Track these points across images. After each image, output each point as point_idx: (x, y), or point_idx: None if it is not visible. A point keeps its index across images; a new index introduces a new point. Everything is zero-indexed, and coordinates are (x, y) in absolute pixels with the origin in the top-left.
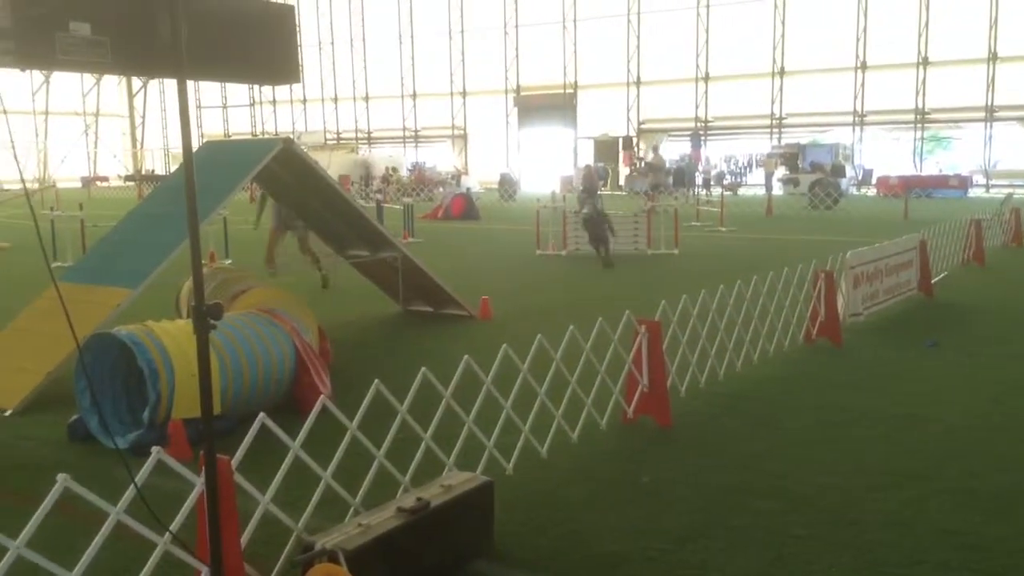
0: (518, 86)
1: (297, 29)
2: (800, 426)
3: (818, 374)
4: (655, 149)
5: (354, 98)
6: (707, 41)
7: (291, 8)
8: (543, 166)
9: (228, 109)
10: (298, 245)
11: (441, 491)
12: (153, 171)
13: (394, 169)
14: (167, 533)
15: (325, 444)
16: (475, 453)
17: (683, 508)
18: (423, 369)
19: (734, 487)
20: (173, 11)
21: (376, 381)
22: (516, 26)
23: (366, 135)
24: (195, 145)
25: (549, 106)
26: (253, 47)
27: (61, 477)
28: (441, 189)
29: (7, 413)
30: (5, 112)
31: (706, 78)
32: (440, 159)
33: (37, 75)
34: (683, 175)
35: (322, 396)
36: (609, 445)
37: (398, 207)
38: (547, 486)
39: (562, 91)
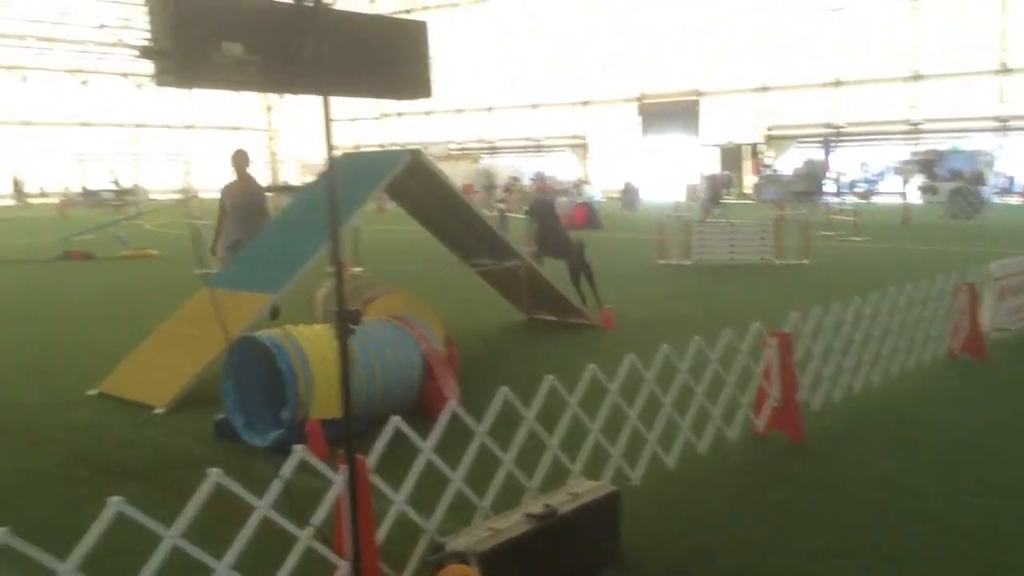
0: (641, 93)
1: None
2: (941, 444)
3: (960, 390)
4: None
5: (477, 109)
6: (836, 44)
7: (424, 25)
8: (666, 175)
9: (358, 122)
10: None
11: (568, 499)
12: (287, 183)
13: (516, 179)
14: (309, 528)
15: (452, 449)
16: (601, 462)
17: (815, 524)
18: (550, 377)
19: (869, 505)
20: (317, 31)
21: (503, 388)
22: (637, 32)
23: (489, 145)
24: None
25: (673, 113)
26: (389, 64)
27: (213, 472)
28: (563, 198)
29: (159, 411)
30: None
31: (837, 83)
32: (562, 168)
33: (182, 91)
34: (811, 183)
35: (452, 401)
36: (738, 458)
37: (521, 216)
38: (674, 497)
39: (686, 98)
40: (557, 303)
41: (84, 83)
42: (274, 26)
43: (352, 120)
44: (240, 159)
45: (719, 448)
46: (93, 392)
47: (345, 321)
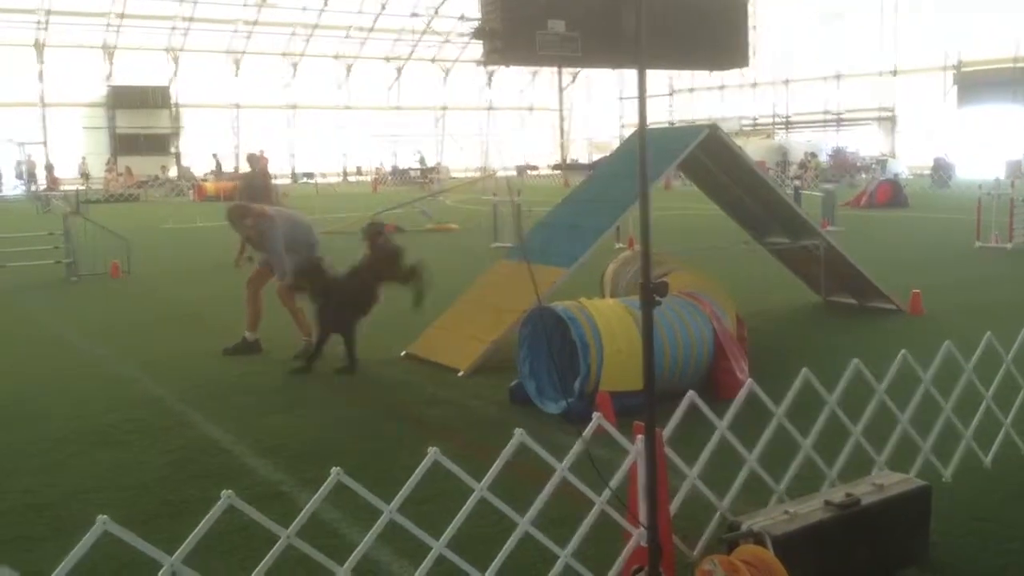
0: (959, 62)
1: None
2: None
3: None
4: None
5: (772, 83)
6: None
7: None
8: (984, 149)
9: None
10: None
11: (872, 489)
12: (576, 160)
13: (812, 155)
14: (606, 492)
15: (744, 429)
16: (907, 455)
17: None
18: (855, 361)
19: None
20: (636, 5)
21: (804, 370)
22: None
23: (784, 120)
24: (626, 134)
25: (995, 82)
26: (705, 35)
27: (518, 432)
28: (864, 175)
29: (460, 374)
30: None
31: None
32: (864, 143)
33: (481, 75)
34: None
35: (749, 381)
36: None
37: (817, 194)
38: (991, 499)
39: (1012, 65)
40: (858, 285)
41: (398, 69)
42: (594, 2)
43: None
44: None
45: None
46: (403, 353)
47: (650, 293)
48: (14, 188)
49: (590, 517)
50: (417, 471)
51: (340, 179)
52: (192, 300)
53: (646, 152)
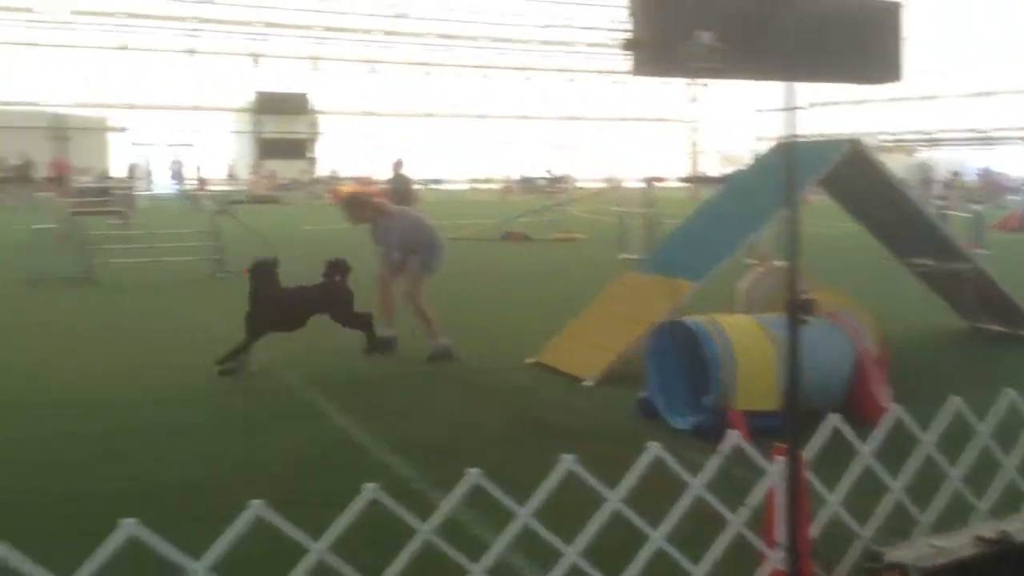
0: None
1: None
2: None
3: None
4: None
5: (916, 98)
6: None
7: (897, 6)
8: None
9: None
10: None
11: None
12: (705, 173)
13: (957, 173)
14: (742, 510)
15: (885, 456)
16: None
17: None
18: (1009, 391)
19: None
20: (784, 15)
21: (955, 398)
22: None
23: (927, 136)
24: (761, 148)
25: None
26: (856, 46)
27: (653, 446)
28: (1014, 196)
29: (588, 383)
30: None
31: None
32: (1015, 163)
33: (611, 84)
34: None
35: (896, 407)
36: None
37: (964, 215)
38: None
39: None
40: (1008, 312)
41: (527, 79)
42: (742, 12)
43: (782, 110)
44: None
45: None
46: (531, 361)
47: (797, 311)
48: (166, 188)
49: (725, 536)
50: (551, 477)
51: (468, 186)
52: None
53: (783, 167)
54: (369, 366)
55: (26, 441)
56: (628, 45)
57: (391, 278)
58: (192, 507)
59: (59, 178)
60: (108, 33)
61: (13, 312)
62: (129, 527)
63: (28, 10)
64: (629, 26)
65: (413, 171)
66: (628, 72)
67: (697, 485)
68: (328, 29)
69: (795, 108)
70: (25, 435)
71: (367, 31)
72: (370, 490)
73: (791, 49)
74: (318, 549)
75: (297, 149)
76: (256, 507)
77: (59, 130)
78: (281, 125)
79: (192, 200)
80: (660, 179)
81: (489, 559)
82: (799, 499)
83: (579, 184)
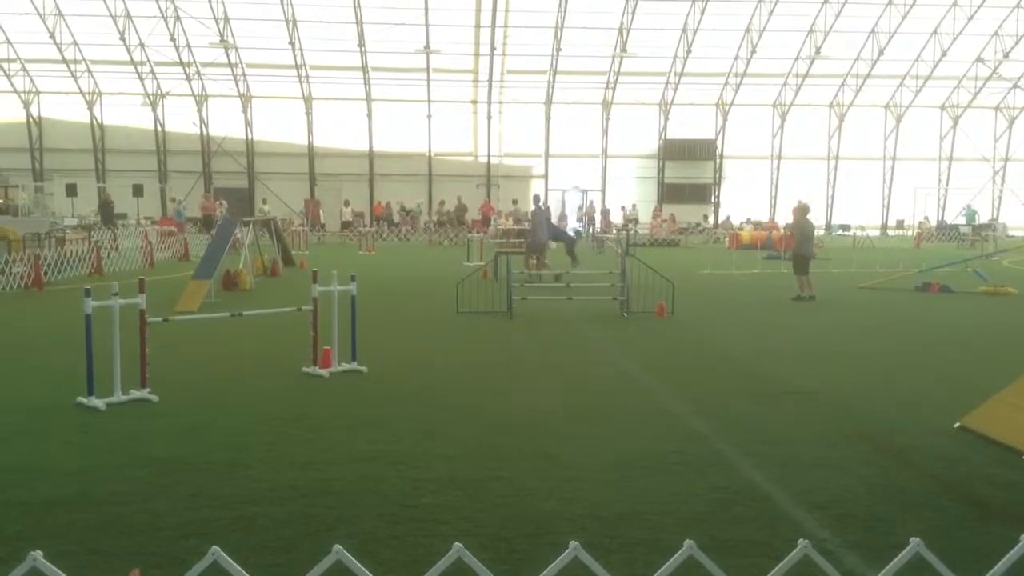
0: None
1: None
2: None
3: None
4: None
5: None
6: None
7: None
8: None
9: None
10: None
11: None
12: None
13: None
14: None
15: None
16: None
17: None
18: None
19: None
20: None
21: None
22: None
23: None
24: None
25: None
26: None
27: None
28: None
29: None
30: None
31: None
32: None
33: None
34: None
35: None
36: None
37: None
38: None
39: None
40: None
41: (954, 119)
42: None
43: None
44: None
45: None
46: (956, 425)
47: None
48: (574, 229)
49: None
50: (1002, 562)
51: (879, 232)
52: (728, 345)
53: None
54: (778, 418)
55: None
56: None
57: None
58: (609, 538)
59: (484, 220)
60: (535, 89)
61: (450, 337)
62: None
63: (471, 71)
64: None
65: (816, 216)
66: None
67: None
68: (738, 75)
69: None
70: None
71: (776, 75)
72: (802, 545)
73: None
74: None
75: (700, 194)
76: (686, 546)
77: (491, 178)
78: (687, 170)
79: (598, 242)
80: None
81: None
82: None
83: (1011, 232)
